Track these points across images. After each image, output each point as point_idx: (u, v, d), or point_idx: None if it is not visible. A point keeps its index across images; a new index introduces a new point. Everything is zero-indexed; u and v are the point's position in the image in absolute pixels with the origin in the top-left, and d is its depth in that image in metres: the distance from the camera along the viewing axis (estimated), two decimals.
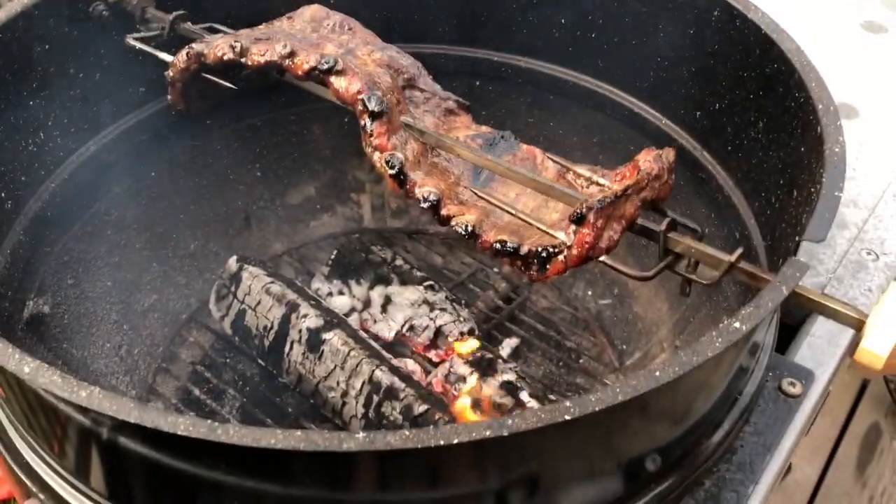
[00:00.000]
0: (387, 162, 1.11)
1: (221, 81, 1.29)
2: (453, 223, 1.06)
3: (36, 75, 1.35)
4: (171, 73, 1.30)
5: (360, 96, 1.14)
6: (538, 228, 1.03)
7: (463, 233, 1.05)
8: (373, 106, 1.13)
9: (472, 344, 1.52)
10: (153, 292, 1.66)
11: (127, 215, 1.60)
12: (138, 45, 1.36)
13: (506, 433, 0.70)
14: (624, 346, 1.67)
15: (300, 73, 1.19)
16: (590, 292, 1.77)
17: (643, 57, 1.50)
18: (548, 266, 1.00)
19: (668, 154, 1.01)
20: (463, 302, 1.62)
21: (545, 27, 1.61)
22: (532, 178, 1.07)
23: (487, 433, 0.70)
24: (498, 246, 1.02)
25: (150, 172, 1.62)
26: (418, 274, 1.64)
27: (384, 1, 1.63)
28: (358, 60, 1.20)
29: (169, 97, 1.33)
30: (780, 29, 1.22)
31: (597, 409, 0.73)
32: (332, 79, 1.16)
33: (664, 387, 0.76)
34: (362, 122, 1.13)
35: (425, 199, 1.08)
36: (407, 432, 0.70)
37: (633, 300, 1.71)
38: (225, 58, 1.24)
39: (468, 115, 1.21)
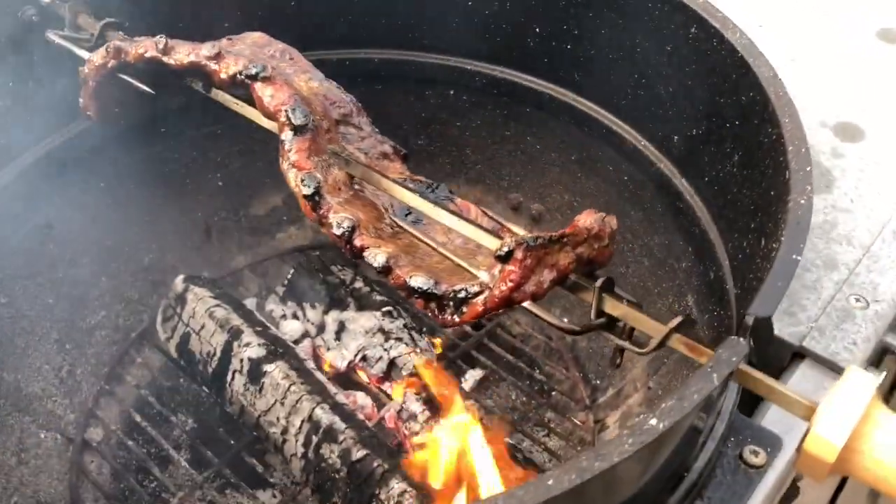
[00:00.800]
0: (302, 180, 1.00)
1: (137, 82, 1.18)
2: (366, 254, 0.95)
3: None
4: (86, 70, 1.19)
5: (283, 106, 1.04)
6: (458, 266, 0.92)
7: (375, 265, 0.94)
8: (296, 119, 1.02)
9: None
10: (101, 308, 1.58)
11: (72, 228, 1.51)
12: (57, 39, 1.26)
13: None
14: (598, 381, 1.56)
15: (225, 76, 1.09)
16: (566, 319, 1.65)
17: (620, 73, 1.38)
18: (464, 309, 0.88)
19: (611, 220, 0.89)
20: (423, 330, 1.52)
21: (521, 37, 1.49)
22: (461, 219, 0.95)
23: None
24: (412, 283, 0.91)
25: (98, 183, 1.53)
26: (377, 298, 1.53)
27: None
28: (293, 83, 1.10)
29: (80, 99, 1.22)
30: (758, 52, 1.09)
31: None
32: (258, 85, 1.06)
33: (559, 497, 0.65)
34: (282, 136, 1.03)
35: (338, 226, 0.97)
36: None
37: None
38: (147, 55, 1.15)
39: (403, 163, 1.10)
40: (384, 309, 1.51)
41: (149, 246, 1.65)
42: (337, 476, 1.25)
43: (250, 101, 1.11)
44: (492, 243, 0.91)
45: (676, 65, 1.26)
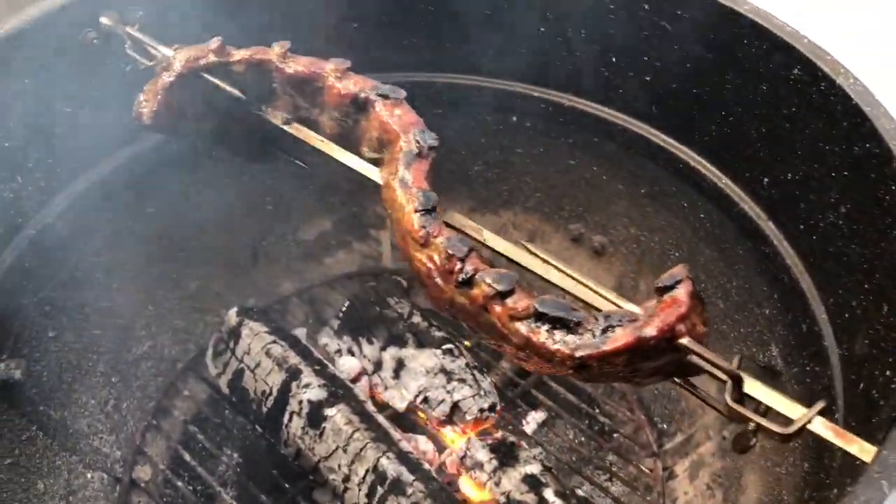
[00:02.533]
0: (419, 196, 0.91)
1: (228, 87, 1.10)
2: (481, 275, 0.86)
3: (16, 110, 1.20)
4: (175, 61, 1.10)
5: (413, 128, 0.97)
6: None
7: (499, 287, 0.83)
8: (425, 141, 0.96)
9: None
10: (147, 339, 1.52)
11: (120, 256, 1.45)
12: (135, 33, 1.18)
13: None
14: (664, 426, 1.49)
15: (344, 92, 1.03)
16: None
17: (705, 108, 1.31)
18: (609, 334, 0.79)
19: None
20: (484, 370, 1.45)
21: (594, 65, 1.42)
22: (572, 277, 0.88)
23: None
24: (541, 307, 0.79)
25: (146, 209, 1.47)
26: (437, 334, 1.47)
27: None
28: None
29: (141, 97, 1.11)
30: (877, 101, 1.02)
31: None
32: (385, 104, 1.00)
33: None
34: (401, 154, 0.96)
35: (451, 244, 0.87)
36: None
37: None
38: (258, 57, 1.09)
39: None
40: (444, 346, 1.44)
41: (195, 272, 1.59)
42: None
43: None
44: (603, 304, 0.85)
45: (773, 105, 1.19)
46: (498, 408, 1.40)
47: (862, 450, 0.74)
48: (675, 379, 0.86)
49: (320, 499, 1.33)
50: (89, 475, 1.34)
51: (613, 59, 1.40)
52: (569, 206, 1.63)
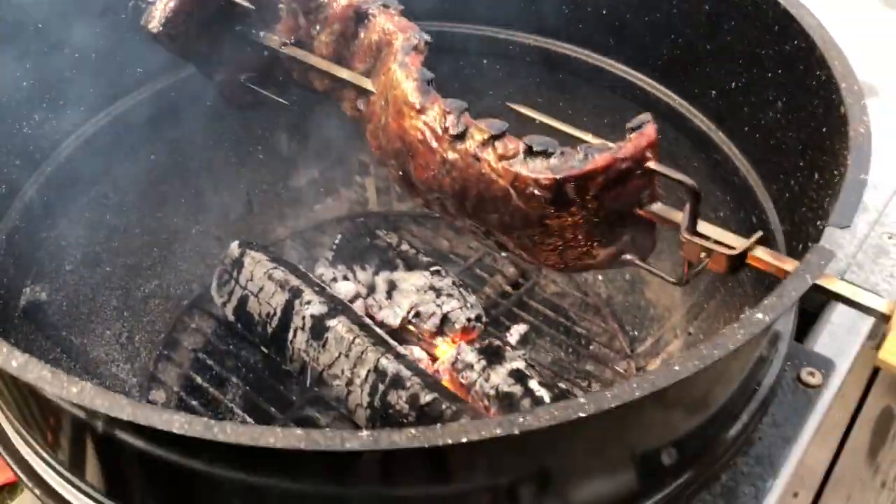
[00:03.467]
0: (417, 72, 1.05)
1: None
2: (482, 123, 0.99)
3: (29, 52, 1.31)
4: None
5: (411, 30, 1.10)
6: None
7: (494, 131, 0.97)
8: (420, 39, 1.11)
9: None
10: (154, 278, 1.63)
11: (127, 199, 1.56)
12: None
13: (517, 431, 0.67)
14: (635, 332, 1.63)
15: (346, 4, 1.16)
16: (600, 277, 1.73)
17: (655, 33, 1.45)
18: (588, 158, 0.91)
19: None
20: (470, 288, 1.59)
21: (553, 3, 1.56)
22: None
23: (497, 431, 0.67)
24: (530, 142, 0.93)
25: (149, 155, 1.59)
26: (424, 259, 1.60)
27: None
28: None
29: (155, 10, 1.19)
30: (800, 3, 1.17)
31: (612, 405, 0.69)
32: (385, 13, 1.15)
33: (683, 381, 0.72)
34: (399, 45, 1.07)
35: (453, 107, 1.01)
36: (413, 431, 0.67)
37: (644, 285, 1.67)
38: None
39: None
40: (432, 269, 1.57)
41: (195, 218, 1.70)
42: (405, 421, 1.31)
43: None
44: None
45: (715, 23, 1.33)
46: (484, 319, 1.53)
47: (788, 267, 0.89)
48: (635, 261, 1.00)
49: (325, 405, 1.45)
50: None
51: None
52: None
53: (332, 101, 1.24)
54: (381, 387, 1.35)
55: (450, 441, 0.66)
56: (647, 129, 0.92)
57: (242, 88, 1.31)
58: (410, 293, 1.54)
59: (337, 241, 1.64)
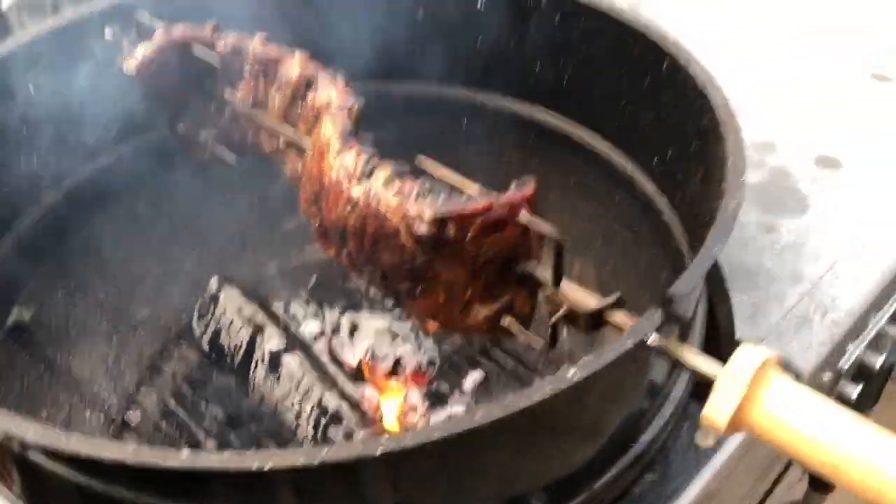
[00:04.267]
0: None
1: (207, 57, 1.31)
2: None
3: (36, 103, 1.48)
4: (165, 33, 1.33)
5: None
6: None
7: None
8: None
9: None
10: (145, 307, 1.77)
11: (124, 233, 1.71)
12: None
13: (315, 463, 0.75)
14: None
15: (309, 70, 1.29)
16: (564, 331, 1.78)
17: (610, 103, 1.53)
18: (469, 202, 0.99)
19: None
20: (430, 334, 1.67)
21: (524, 71, 1.66)
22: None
23: (301, 460, 0.75)
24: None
25: (149, 195, 1.73)
26: (389, 303, 1.69)
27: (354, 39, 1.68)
28: None
29: (136, 54, 1.34)
30: (715, 84, 1.23)
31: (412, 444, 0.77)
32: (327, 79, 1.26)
33: (473, 431, 0.79)
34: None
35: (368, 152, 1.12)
36: (226, 454, 0.76)
37: (605, 341, 1.71)
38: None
39: None
40: (394, 312, 1.66)
41: (190, 253, 1.84)
42: None
43: None
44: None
45: (654, 96, 1.40)
46: (437, 364, 1.61)
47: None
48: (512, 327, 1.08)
49: (278, 435, 1.55)
50: (87, 413, 1.59)
51: (540, 64, 1.63)
52: None
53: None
54: (323, 421, 1.44)
55: (254, 466, 0.75)
56: (526, 188, 1.01)
57: (200, 145, 1.44)
58: (370, 335, 1.63)
59: (312, 283, 1.76)
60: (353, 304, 1.69)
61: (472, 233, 0.99)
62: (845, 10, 2.10)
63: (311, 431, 1.46)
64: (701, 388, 1.23)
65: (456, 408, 1.48)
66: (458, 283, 1.06)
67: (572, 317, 0.99)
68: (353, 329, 1.66)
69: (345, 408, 1.43)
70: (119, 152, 1.65)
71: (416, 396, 1.52)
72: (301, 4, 1.65)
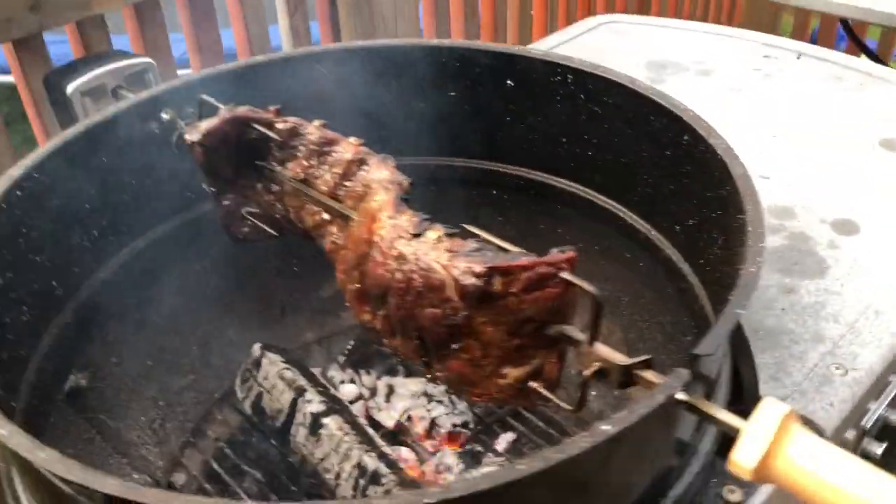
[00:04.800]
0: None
1: (268, 132, 1.42)
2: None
3: (96, 182, 1.59)
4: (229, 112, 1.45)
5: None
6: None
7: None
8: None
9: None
10: (191, 373, 1.85)
11: (171, 305, 1.80)
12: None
13: None
14: None
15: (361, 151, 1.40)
16: (594, 392, 1.83)
17: (632, 173, 1.61)
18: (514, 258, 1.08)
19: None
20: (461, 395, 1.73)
21: (551, 145, 1.75)
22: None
23: None
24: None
25: (195, 267, 1.83)
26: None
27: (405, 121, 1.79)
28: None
29: (198, 127, 1.44)
30: (734, 154, 1.31)
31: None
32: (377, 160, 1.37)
33: (524, 480, 0.85)
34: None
35: None
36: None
37: (630, 400, 1.76)
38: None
39: None
40: (428, 375, 1.72)
41: (232, 321, 1.93)
42: None
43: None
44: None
45: (676, 166, 1.49)
46: (471, 425, 1.66)
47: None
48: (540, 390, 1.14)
49: (319, 496, 1.60)
50: (135, 476, 1.65)
51: (564, 141, 1.73)
52: None
53: (313, 240, 1.45)
54: (362, 482, 1.50)
55: None
56: (568, 251, 1.09)
57: (241, 220, 1.53)
58: (406, 397, 1.70)
59: (349, 348, 1.83)
60: (389, 369, 1.76)
61: (517, 287, 1.06)
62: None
63: (350, 492, 1.51)
64: (726, 444, 1.29)
65: (490, 468, 1.53)
66: (494, 341, 1.13)
67: (605, 373, 1.05)
68: (390, 392, 1.72)
69: (383, 468, 1.48)
70: (166, 228, 1.76)
71: (450, 457, 1.57)
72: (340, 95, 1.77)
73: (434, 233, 1.15)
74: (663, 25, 2.58)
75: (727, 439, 1.28)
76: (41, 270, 1.48)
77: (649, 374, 1.04)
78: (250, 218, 1.57)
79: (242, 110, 1.45)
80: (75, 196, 1.56)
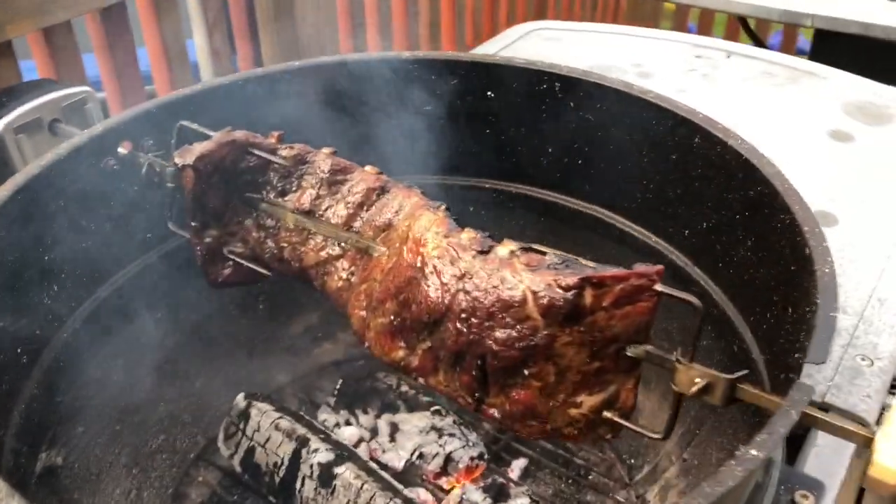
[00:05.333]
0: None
1: (272, 158, 1.29)
2: None
3: (50, 233, 1.39)
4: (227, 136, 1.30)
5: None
6: None
7: None
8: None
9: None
10: (160, 433, 1.66)
11: (134, 357, 1.61)
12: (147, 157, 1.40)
13: None
14: (632, 461, 1.68)
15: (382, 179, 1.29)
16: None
17: (629, 180, 1.58)
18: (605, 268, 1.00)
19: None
20: (470, 425, 1.64)
21: (535, 156, 1.69)
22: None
23: None
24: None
25: (156, 314, 1.65)
26: (424, 399, 1.65)
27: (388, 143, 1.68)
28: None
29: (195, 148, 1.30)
30: (760, 154, 1.30)
31: None
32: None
33: None
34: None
35: None
36: None
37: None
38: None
39: None
40: (433, 409, 1.62)
41: (198, 371, 1.75)
42: None
43: None
44: None
45: (683, 170, 1.46)
46: (486, 457, 1.57)
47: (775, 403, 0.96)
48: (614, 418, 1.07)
49: None
50: None
51: (549, 150, 1.68)
52: None
53: (309, 281, 1.33)
54: None
55: None
56: (655, 265, 1.02)
57: (223, 260, 1.38)
58: (413, 434, 1.59)
59: (338, 386, 1.70)
60: (387, 405, 1.65)
61: (609, 300, 0.99)
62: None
63: None
64: (792, 452, 1.27)
65: (521, 500, 1.45)
66: (573, 365, 1.05)
67: (708, 389, 0.99)
68: (394, 430, 1.61)
69: None
70: (127, 274, 1.57)
71: (474, 493, 1.47)
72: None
73: (505, 248, 1.06)
74: (593, 30, 2.58)
75: (791, 442, 1.27)
76: (4, 338, 1.28)
77: (750, 388, 0.99)
78: (233, 258, 1.42)
79: (240, 134, 1.30)
80: (30, 249, 1.36)
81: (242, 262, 1.41)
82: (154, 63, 2.51)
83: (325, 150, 1.31)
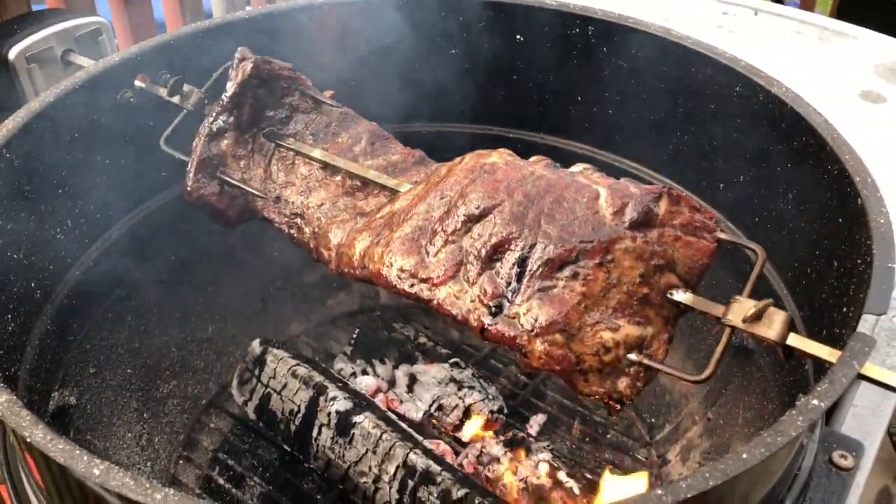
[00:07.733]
0: None
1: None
2: None
3: (65, 164, 1.34)
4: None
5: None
6: None
7: None
8: None
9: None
10: (172, 378, 1.62)
11: (146, 301, 1.57)
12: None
13: None
14: (653, 420, 1.65)
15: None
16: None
17: (662, 132, 1.53)
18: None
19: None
20: (489, 379, 1.60)
21: (564, 106, 1.64)
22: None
23: None
24: None
25: (169, 257, 1.60)
26: (443, 351, 1.62)
27: (409, 88, 1.62)
28: None
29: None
30: (806, 103, 1.25)
31: (688, 495, 0.71)
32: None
33: (751, 470, 0.74)
34: None
35: None
36: None
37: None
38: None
39: None
40: (451, 361, 1.59)
41: (212, 317, 1.71)
42: None
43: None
44: None
45: (720, 120, 1.41)
46: (505, 411, 1.54)
47: (831, 353, 0.93)
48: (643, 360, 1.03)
49: (349, 502, 1.44)
50: None
51: (579, 99, 1.62)
52: None
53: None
54: (411, 483, 1.34)
55: None
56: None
57: (212, 178, 1.33)
58: (432, 386, 1.55)
59: (355, 336, 1.66)
60: (405, 356, 1.61)
61: (679, 220, 0.99)
62: None
63: (395, 496, 1.36)
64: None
65: (542, 455, 1.42)
66: (624, 279, 0.99)
67: (764, 320, 0.96)
68: (412, 381, 1.57)
69: (434, 466, 1.34)
70: (141, 214, 1.52)
71: (494, 446, 1.44)
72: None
73: (578, 167, 1.07)
74: None
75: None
76: (19, 270, 1.23)
77: (801, 340, 0.95)
78: (226, 178, 1.35)
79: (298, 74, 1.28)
80: (44, 180, 1.31)
81: (238, 184, 1.35)
82: (168, 12, 2.43)
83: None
